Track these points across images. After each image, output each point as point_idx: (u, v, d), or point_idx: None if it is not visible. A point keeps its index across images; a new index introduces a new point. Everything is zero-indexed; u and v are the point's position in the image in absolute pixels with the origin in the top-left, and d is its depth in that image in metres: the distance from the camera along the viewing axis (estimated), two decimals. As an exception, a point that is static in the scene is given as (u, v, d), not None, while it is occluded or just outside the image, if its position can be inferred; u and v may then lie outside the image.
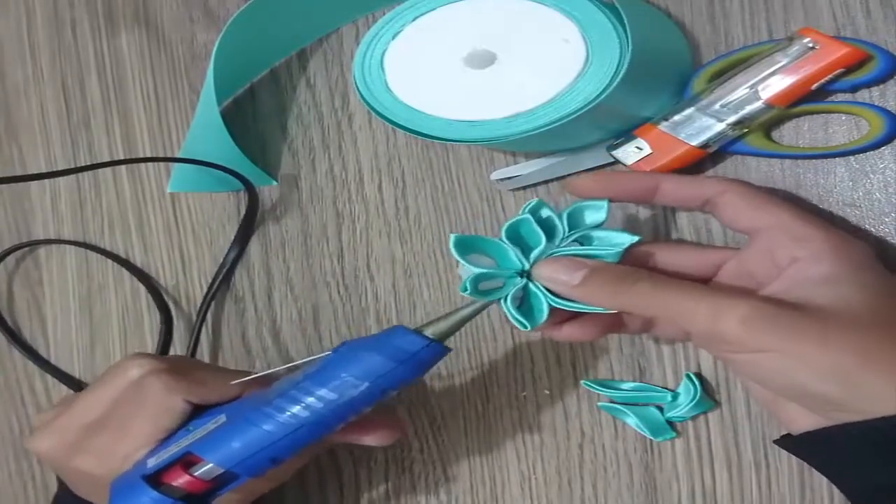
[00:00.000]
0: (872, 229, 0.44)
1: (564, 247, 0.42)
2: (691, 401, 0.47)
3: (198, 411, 0.46)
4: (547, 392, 0.51)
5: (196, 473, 0.43)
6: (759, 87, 0.43)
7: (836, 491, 0.45)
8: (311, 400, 0.41)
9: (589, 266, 0.40)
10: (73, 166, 0.64)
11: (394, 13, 0.48)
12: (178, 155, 0.58)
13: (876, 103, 0.43)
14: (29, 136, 0.66)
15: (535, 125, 0.43)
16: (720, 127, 0.43)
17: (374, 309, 0.56)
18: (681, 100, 0.45)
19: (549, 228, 0.42)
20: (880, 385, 0.35)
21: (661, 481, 0.49)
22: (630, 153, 0.45)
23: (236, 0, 0.59)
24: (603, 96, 0.42)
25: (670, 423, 0.48)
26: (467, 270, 0.42)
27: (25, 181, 0.55)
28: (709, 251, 0.43)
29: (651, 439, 0.49)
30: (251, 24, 0.52)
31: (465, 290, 0.41)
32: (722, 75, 0.44)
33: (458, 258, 0.42)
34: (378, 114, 0.47)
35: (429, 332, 0.41)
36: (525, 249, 0.42)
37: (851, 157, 0.44)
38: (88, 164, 0.63)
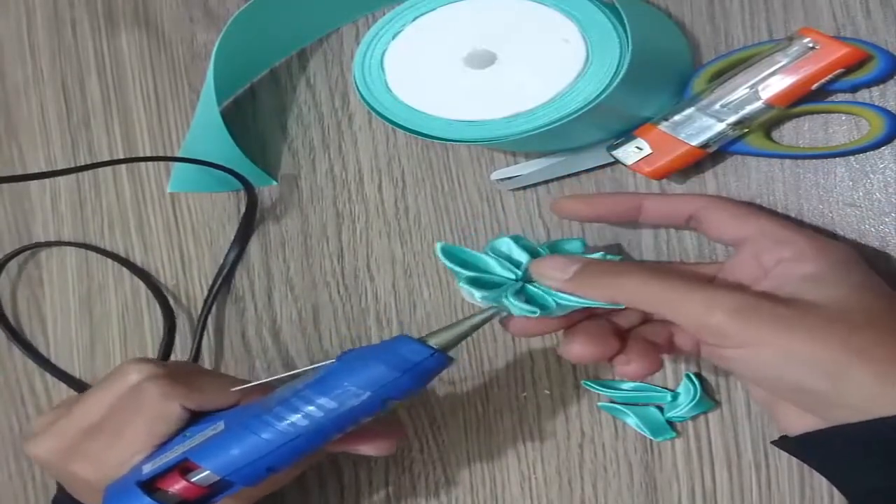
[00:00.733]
0: (872, 229, 0.44)
1: None
2: (691, 401, 0.47)
3: (196, 418, 0.46)
4: (547, 392, 0.51)
5: (192, 480, 0.43)
6: (759, 87, 0.43)
7: (836, 491, 0.45)
8: (310, 409, 0.41)
9: (581, 261, 0.41)
10: (73, 166, 0.64)
11: (394, 13, 0.48)
12: (179, 155, 0.58)
13: (876, 103, 0.43)
14: (29, 136, 0.66)
15: (535, 125, 0.43)
16: (720, 127, 0.43)
17: (374, 309, 0.56)
18: (681, 100, 0.45)
19: (529, 249, 0.44)
20: (868, 380, 0.35)
21: (661, 481, 0.49)
22: (630, 153, 0.45)
23: (236, 0, 0.59)
24: (603, 96, 0.42)
25: (670, 423, 0.48)
26: (460, 276, 0.43)
27: (25, 181, 0.55)
28: (700, 267, 0.45)
29: (651, 439, 0.49)
30: (251, 24, 0.52)
31: (462, 282, 0.42)
32: (722, 75, 0.44)
33: (448, 264, 0.43)
34: (378, 114, 0.47)
35: (433, 342, 0.41)
36: (511, 262, 0.43)
37: (851, 157, 0.44)
38: (88, 163, 0.63)
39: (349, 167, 0.56)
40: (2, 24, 0.67)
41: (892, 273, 0.43)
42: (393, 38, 0.48)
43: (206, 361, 0.60)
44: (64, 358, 0.66)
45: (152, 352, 0.62)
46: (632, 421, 0.49)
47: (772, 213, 0.41)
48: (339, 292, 0.57)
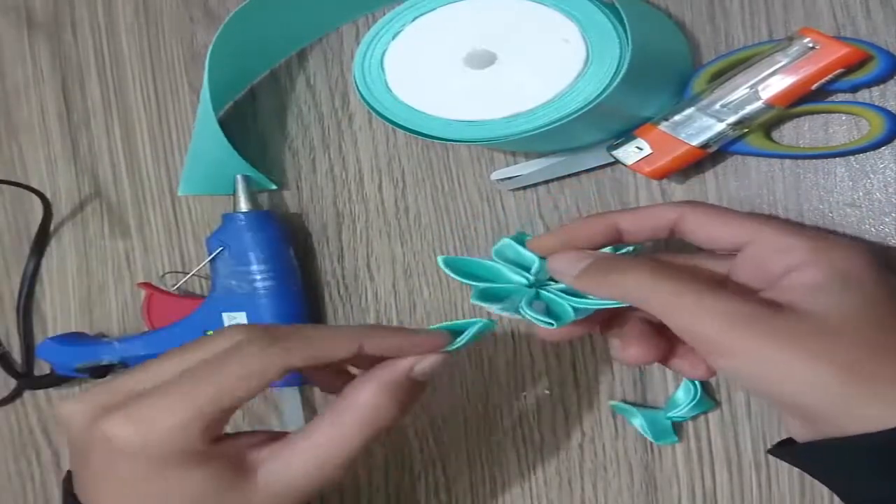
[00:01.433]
0: (872, 229, 0.44)
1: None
2: (691, 401, 0.47)
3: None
4: (547, 392, 0.51)
5: None
6: (759, 87, 0.43)
7: (836, 491, 0.45)
8: None
9: (592, 256, 0.39)
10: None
11: (394, 13, 0.48)
12: (184, 159, 0.58)
13: (876, 103, 0.43)
14: (29, 136, 0.66)
15: (535, 125, 0.43)
16: (720, 127, 0.43)
17: (374, 309, 0.56)
18: (681, 100, 0.45)
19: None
20: (864, 401, 0.33)
21: (661, 481, 0.49)
22: (630, 153, 0.45)
23: (236, 0, 0.59)
24: (603, 96, 0.42)
25: (673, 425, 0.48)
26: (473, 291, 0.41)
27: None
28: (719, 263, 0.40)
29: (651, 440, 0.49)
30: (248, 24, 0.52)
31: (475, 298, 0.41)
32: (722, 75, 0.44)
33: (455, 277, 0.41)
34: (378, 114, 0.47)
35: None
36: (520, 266, 0.42)
37: (851, 157, 0.44)
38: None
39: (349, 167, 0.56)
40: (2, 24, 0.67)
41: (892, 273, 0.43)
42: (393, 38, 0.48)
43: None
44: (64, 358, 0.66)
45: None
46: (637, 422, 0.49)
47: (767, 217, 0.39)
48: (339, 292, 0.57)
